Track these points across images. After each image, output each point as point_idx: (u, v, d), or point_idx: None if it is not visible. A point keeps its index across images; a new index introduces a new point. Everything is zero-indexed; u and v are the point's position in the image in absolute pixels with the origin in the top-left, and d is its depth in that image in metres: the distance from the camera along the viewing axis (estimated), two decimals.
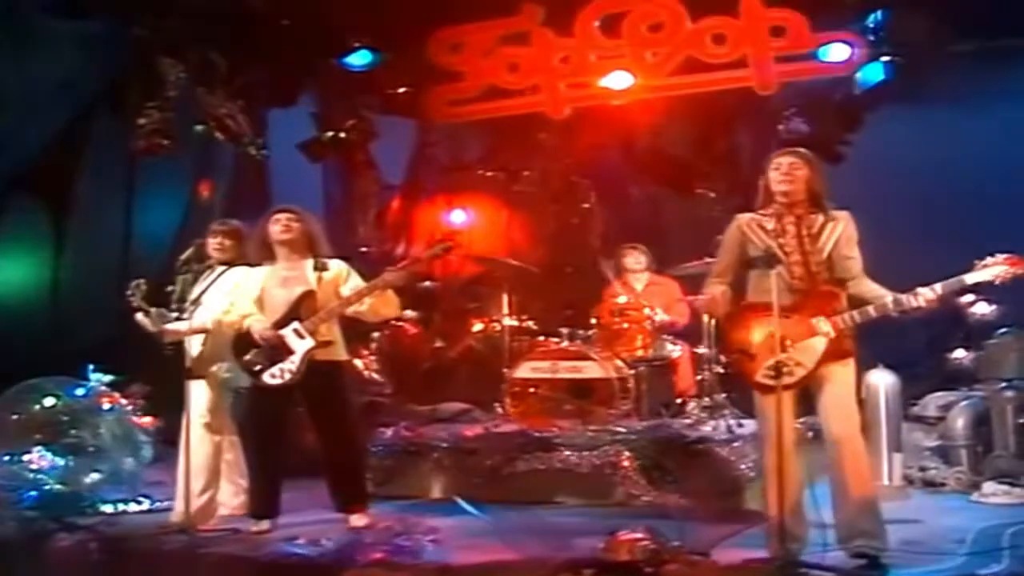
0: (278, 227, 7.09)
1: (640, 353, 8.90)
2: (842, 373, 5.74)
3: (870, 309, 5.63)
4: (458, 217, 13.46)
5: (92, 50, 10.27)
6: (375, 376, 10.30)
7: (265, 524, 6.99)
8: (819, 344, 5.63)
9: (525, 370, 8.64)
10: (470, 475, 8.26)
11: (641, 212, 13.23)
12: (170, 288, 7.17)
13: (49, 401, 7.79)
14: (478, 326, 10.62)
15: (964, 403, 8.67)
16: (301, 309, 6.98)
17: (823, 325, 5.63)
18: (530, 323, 9.63)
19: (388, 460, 8.52)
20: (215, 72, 10.69)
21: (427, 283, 12.63)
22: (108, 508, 7.65)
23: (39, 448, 7.68)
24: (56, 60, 10.09)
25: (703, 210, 11.67)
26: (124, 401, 7.67)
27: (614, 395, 8.32)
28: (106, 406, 7.76)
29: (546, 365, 8.57)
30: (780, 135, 11.19)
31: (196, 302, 7.15)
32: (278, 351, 6.90)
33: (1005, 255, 5.50)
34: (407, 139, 13.36)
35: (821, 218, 5.81)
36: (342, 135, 11.92)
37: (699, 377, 8.93)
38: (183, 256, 7.16)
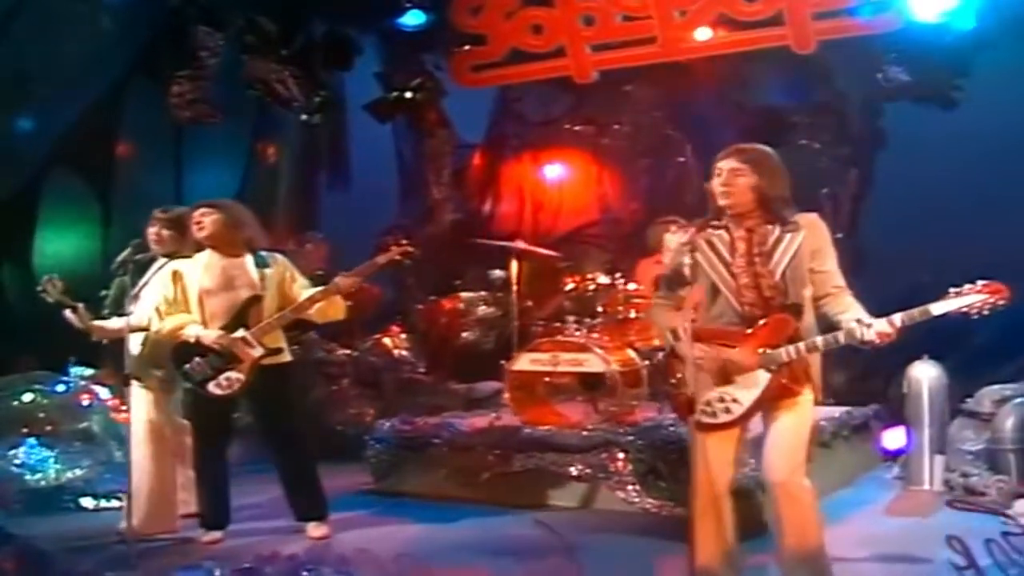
0: (194, 226, 6.72)
1: (657, 342, 8.23)
2: (790, 408, 4.94)
3: (817, 341, 4.85)
4: (552, 172, 12.98)
5: (124, 22, 10.12)
6: (404, 354, 9.94)
7: (217, 534, 6.78)
8: (760, 379, 4.89)
9: (524, 362, 8.10)
10: (464, 473, 7.87)
11: None
12: (104, 292, 6.93)
13: (28, 396, 7.73)
14: (570, 285, 10.06)
15: (1017, 400, 7.70)
16: (248, 315, 6.65)
17: (766, 358, 4.88)
18: (621, 282, 8.97)
19: (386, 454, 8.20)
20: (261, 37, 10.47)
21: (518, 243, 12.26)
22: (90, 504, 7.54)
23: (30, 441, 7.61)
24: (87, 34, 9.98)
25: (807, 163, 10.94)
26: (105, 396, 7.45)
27: (617, 388, 7.73)
28: (85, 402, 7.61)
29: (546, 357, 8.01)
30: (879, 83, 10.50)
31: (136, 297, 6.75)
32: (224, 360, 6.59)
33: (983, 282, 4.65)
34: (488, 96, 12.82)
35: (777, 231, 4.94)
36: (408, 94, 11.57)
37: None
38: (119, 258, 6.77)
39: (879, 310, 4.83)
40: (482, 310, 11.62)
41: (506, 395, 8.23)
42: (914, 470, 7.82)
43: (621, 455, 7.40)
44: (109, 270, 6.91)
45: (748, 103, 11.78)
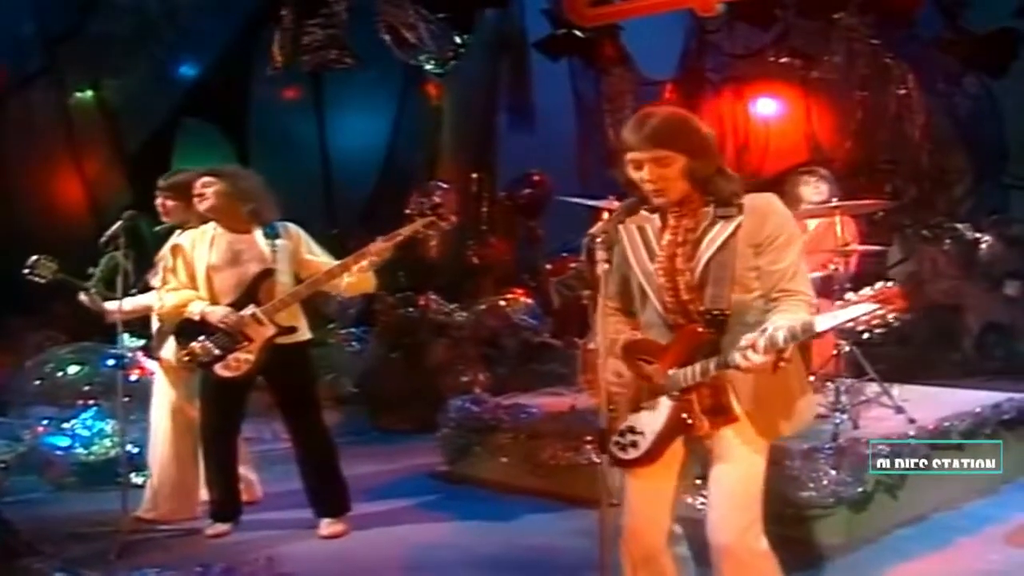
0: (196, 197, 6.16)
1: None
2: (730, 450, 3.82)
3: (710, 364, 3.71)
4: (756, 109, 11.94)
5: None
6: (524, 318, 9.19)
7: (223, 527, 6.31)
8: (664, 408, 3.85)
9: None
10: (528, 463, 7.07)
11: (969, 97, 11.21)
12: (90, 271, 6.50)
13: (73, 369, 7.49)
14: None
15: None
16: (259, 291, 6.09)
17: (669, 381, 3.81)
18: None
19: (457, 436, 7.50)
20: None
21: (611, 201, 11.43)
22: (141, 480, 7.25)
23: (85, 414, 7.42)
24: None
25: None
26: (152, 368, 7.07)
27: None
28: (134, 376, 7.26)
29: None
30: None
31: (153, 272, 6.42)
32: (232, 339, 6.07)
33: (881, 285, 3.60)
34: (677, 28, 11.77)
35: (710, 215, 3.81)
36: (577, 32, 10.72)
37: (835, 352, 6.92)
38: (109, 231, 6.28)
39: None
40: None
41: (580, 376, 7.32)
42: None
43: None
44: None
45: (976, 25, 10.77)
